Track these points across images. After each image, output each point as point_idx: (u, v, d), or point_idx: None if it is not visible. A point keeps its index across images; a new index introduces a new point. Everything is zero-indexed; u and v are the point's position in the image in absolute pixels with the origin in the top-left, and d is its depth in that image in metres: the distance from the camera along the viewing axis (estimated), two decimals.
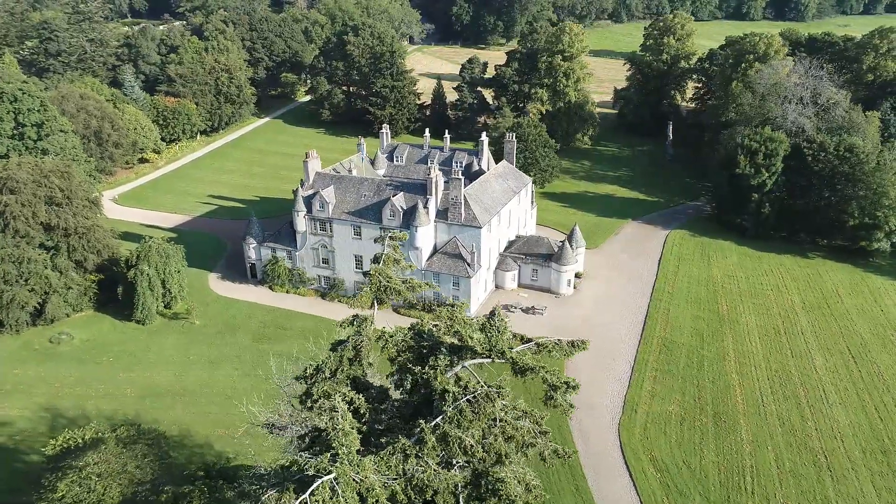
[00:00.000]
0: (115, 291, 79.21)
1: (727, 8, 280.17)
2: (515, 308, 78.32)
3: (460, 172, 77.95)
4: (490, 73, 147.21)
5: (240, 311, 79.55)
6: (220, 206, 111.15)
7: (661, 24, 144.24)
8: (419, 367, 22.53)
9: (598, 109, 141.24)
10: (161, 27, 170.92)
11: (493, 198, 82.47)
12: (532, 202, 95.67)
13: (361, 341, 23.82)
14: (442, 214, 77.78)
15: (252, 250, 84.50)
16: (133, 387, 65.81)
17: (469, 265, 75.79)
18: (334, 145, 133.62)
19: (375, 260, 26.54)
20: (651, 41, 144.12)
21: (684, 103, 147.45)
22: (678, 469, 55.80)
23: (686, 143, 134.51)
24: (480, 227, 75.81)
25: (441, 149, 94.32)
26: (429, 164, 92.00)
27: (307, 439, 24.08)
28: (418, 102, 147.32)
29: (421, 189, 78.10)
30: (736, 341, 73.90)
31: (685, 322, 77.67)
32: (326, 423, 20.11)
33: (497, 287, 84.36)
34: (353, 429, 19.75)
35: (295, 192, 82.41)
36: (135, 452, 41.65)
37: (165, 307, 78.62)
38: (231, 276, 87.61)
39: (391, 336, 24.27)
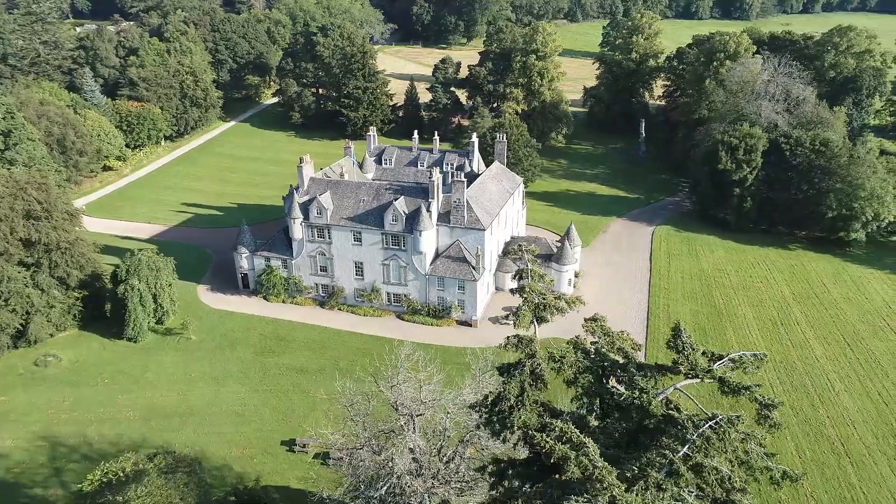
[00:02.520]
0: (100, 308, 75.28)
1: (676, 7, 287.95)
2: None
3: (462, 175, 76.84)
4: (463, 73, 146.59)
5: (236, 324, 76.50)
6: (196, 215, 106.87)
7: (630, 23, 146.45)
8: (627, 392, 21.55)
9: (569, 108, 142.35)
10: (110, 27, 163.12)
11: (492, 199, 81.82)
12: (523, 202, 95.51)
13: (538, 364, 22.59)
14: (443, 218, 76.55)
15: (244, 260, 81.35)
16: (135, 409, 62.30)
17: (474, 268, 74.86)
18: (308, 148, 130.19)
19: (520, 276, 25.34)
20: (620, 40, 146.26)
21: (653, 101, 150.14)
22: None
23: (658, 140, 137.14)
24: (485, 230, 75.00)
25: (430, 150, 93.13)
26: (420, 167, 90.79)
27: (499, 470, 22.46)
28: (391, 104, 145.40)
29: (420, 192, 76.68)
30: (737, 334, 75.42)
31: (686, 317, 78.76)
32: (579, 463, 18.73)
33: (497, 289, 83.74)
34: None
35: (286, 199, 79.77)
36: (176, 482, 39.13)
37: (157, 323, 74.90)
38: (221, 287, 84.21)
39: (562, 357, 23.07)
